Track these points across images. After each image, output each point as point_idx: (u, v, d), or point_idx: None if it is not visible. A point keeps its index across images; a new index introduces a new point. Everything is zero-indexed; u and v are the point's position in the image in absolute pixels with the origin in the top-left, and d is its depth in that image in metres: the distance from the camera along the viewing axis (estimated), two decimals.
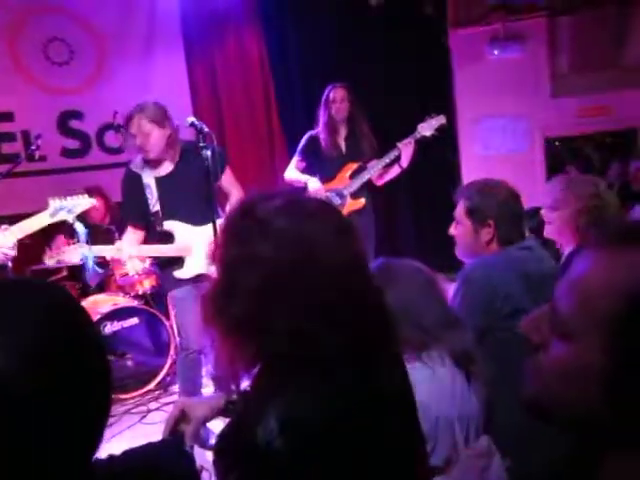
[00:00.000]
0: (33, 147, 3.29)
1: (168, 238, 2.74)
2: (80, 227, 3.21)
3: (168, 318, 3.76)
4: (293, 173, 3.75)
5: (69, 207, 2.34)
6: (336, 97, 3.64)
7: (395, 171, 3.64)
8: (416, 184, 4.08)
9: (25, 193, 4.22)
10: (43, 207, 2.65)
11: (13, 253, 2.21)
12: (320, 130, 3.69)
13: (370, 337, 0.86)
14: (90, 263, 3.53)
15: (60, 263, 2.63)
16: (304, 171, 3.75)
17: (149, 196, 2.68)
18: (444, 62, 5.01)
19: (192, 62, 5.10)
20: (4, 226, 2.17)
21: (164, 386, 3.61)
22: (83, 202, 2.41)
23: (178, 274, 2.74)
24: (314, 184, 3.62)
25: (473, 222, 1.73)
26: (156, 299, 3.89)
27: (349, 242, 0.87)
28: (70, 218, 2.36)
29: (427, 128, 3.58)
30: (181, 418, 1.12)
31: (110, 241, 3.98)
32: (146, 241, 2.82)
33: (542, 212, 1.98)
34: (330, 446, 0.79)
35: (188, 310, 2.65)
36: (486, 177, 1.86)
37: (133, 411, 3.36)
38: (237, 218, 0.90)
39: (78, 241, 3.67)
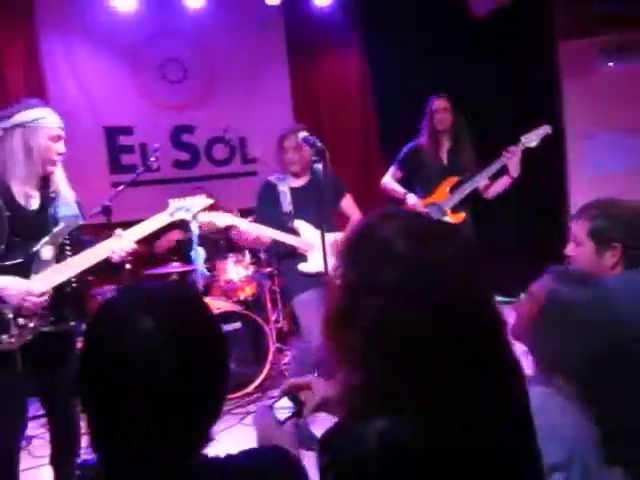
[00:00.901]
0: (152, 159, 3.53)
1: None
2: (195, 227, 3.40)
3: (268, 323, 3.90)
4: (390, 183, 3.76)
5: (187, 207, 2.43)
6: (438, 107, 3.61)
7: (505, 182, 3.54)
8: (520, 198, 3.96)
9: (140, 201, 4.53)
10: (157, 214, 2.83)
11: (126, 255, 2.27)
12: (422, 141, 3.68)
13: (484, 364, 0.84)
14: (200, 263, 3.73)
15: (209, 226, 2.88)
16: (400, 182, 3.75)
17: (282, 201, 3.06)
18: (550, 75, 4.84)
19: (295, 78, 5.29)
20: (118, 230, 2.29)
21: (262, 390, 3.74)
22: (200, 202, 2.50)
23: (303, 267, 3.03)
24: (413, 199, 3.61)
25: (596, 244, 1.65)
26: (256, 306, 4.05)
27: (472, 265, 0.86)
28: (188, 216, 2.45)
29: (531, 139, 3.47)
30: (304, 388, 1.16)
31: (215, 245, 4.22)
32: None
33: None
34: (422, 473, 0.79)
35: (313, 315, 2.81)
36: (597, 196, 1.78)
37: (233, 412, 3.50)
38: (357, 241, 0.89)
39: (191, 241, 3.90)
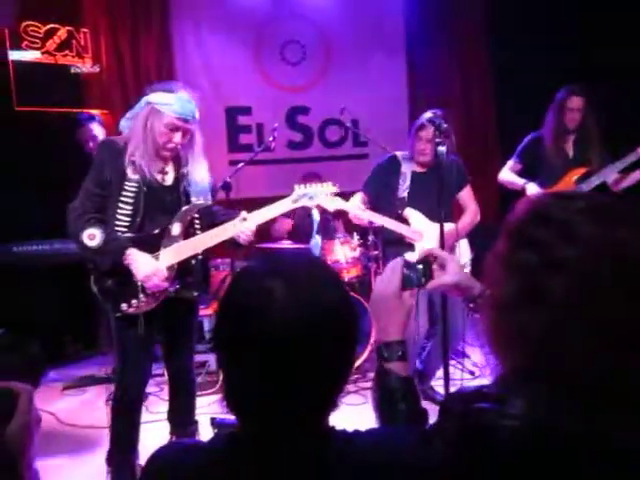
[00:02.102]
0: (270, 138, 3.63)
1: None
2: (316, 214, 3.47)
3: None
4: (508, 175, 3.61)
5: (311, 194, 2.42)
6: (573, 106, 3.39)
7: (636, 177, 3.31)
8: None
9: (253, 180, 4.71)
10: (270, 193, 2.90)
11: (251, 237, 2.36)
12: (546, 133, 3.49)
13: None
14: (317, 250, 3.85)
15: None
16: (520, 174, 3.59)
17: (401, 182, 3.05)
18: None
19: (412, 64, 5.22)
20: (243, 213, 2.35)
21: (362, 372, 3.79)
22: (325, 190, 2.47)
23: (408, 256, 2.93)
24: (533, 188, 3.45)
25: None
26: (360, 287, 4.08)
27: None
28: (311, 204, 2.45)
29: None
30: (439, 263, 1.16)
31: (325, 226, 4.30)
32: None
33: None
34: (555, 459, 0.74)
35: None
36: None
37: None
38: (531, 221, 0.84)
39: (307, 222, 4.02)
